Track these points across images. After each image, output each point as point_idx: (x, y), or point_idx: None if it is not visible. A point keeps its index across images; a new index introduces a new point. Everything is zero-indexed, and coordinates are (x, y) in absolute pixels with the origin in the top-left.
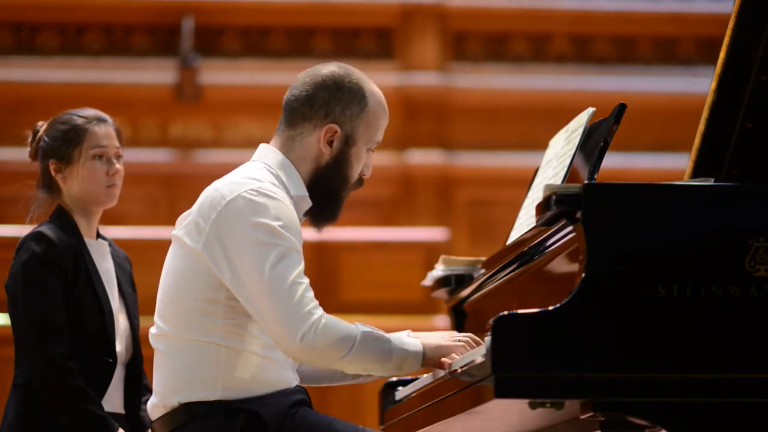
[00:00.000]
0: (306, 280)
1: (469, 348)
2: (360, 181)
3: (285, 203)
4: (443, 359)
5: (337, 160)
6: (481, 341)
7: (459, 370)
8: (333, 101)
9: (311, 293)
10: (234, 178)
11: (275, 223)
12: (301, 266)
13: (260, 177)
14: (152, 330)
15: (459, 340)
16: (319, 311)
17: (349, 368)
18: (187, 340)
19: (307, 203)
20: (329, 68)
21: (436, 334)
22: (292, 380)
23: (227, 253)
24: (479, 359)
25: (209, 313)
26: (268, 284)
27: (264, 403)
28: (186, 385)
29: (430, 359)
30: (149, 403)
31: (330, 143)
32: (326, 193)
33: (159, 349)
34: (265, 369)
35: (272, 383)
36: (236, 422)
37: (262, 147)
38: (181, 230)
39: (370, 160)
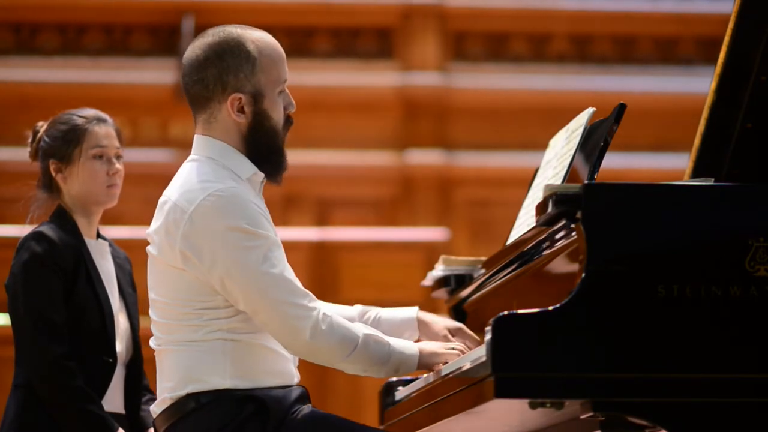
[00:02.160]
0: (291, 273)
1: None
2: (289, 119)
3: (246, 197)
4: (437, 366)
5: (256, 121)
6: (478, 340)
7: (450, 375)
8: (223, 73)
9: (299, 283)
10: (188, 185)
11: (245, 224)
12: (284, 258)
13: (212, 177)
14: (153, 340)
15: (454, 348)
16: (316, 304)
17: (349, 368)
18: (194, 341)
19: (260, 175)
20: (205, 42)
21: (434, 342)
22: (294, 375)
23: (207, 263)
24: (467, 365)
25: (212, 316)
26: (258, 288)
27: (270, 394)
28: (195, 376)
29: (425, 365)
30: (153, 405)
31: (241, 110)
32: (266, 151)
33: (166, 348)
34: (272, 360)
35: (278, 374)
36: (245, 409)
37: (197, 139)
38: (154, 248)
39: (289, 97)
